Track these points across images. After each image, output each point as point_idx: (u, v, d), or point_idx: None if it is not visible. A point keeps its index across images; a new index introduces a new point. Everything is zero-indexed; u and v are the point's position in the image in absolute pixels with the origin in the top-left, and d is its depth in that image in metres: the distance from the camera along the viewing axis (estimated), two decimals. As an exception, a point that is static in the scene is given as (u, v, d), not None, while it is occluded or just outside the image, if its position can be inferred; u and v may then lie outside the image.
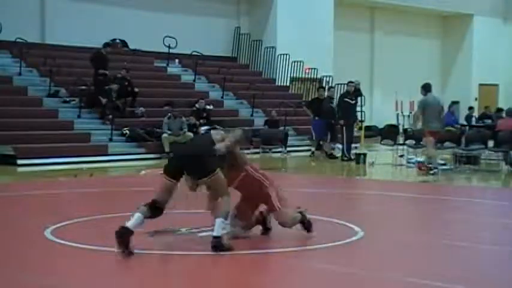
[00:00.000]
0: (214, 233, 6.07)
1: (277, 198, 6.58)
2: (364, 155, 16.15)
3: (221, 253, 6.02)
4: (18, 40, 18.55)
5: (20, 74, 18.12)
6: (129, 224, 6.01)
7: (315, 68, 23.95)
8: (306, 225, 6.86)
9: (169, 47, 21.15)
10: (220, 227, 6.07)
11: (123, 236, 5.92)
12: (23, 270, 5.54)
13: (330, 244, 6.62)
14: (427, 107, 13.76)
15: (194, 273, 5.65)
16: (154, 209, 6.16)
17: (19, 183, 12.84)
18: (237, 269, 5.79)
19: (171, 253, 6.20)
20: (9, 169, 14.44)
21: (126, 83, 18.13)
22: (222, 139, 6.35)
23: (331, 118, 17.63)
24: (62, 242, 6.48)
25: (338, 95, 19.63)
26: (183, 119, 17.77)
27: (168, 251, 6.22)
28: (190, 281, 5.46)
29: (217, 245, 6.02)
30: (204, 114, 18.58)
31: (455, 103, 17.14)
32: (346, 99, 17.12)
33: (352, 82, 17.95)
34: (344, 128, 16.72)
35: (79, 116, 17.29)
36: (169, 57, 21.64)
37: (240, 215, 6.65)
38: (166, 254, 6.18)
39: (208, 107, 19.16)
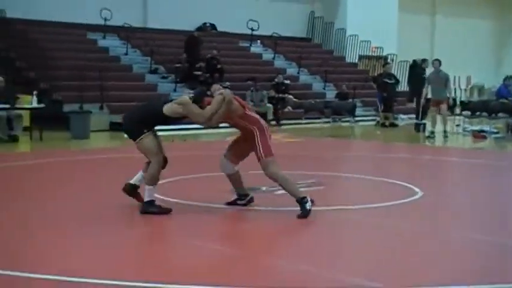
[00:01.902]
0: (144, 198, 5.82)
1: (266, 147, 5.76)
2: (424, 124, 15.77)
3: (287, 209, 6.01)
4: (125, 25, 18.93)
5: (126, 54, 18.51)
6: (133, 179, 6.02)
7: (380, 47, 23.53)
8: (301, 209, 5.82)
9: (252, 29, 21.15)
10: (147, 194, 5.78)
11: (130, 192, 5.99)
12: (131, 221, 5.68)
13: (392, 202, 6.52)
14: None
15: (264, 228, 5.66)
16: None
17: (126, 147, 13.18)
18: (309, 223, 5.77)
19: (256, 208, 6.23)
20: (119, 135, 14.82)
21: (215, 62, 18.29)
22: (180, 103, 5.81)
23: (384, 91, 17.25)
24: (162, 197, 6.62)
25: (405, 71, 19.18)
26: (264, 92, 17.80)
27: (252, 207, 6.25)
28: (260, 234, 5.47)
29: (141, 210, 5.80)
30: (282, 88, 18.55)
31: (510, 78, 16.52)
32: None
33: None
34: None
35: (175, 90, 17.53)
36: (252, 38, 21.64)
37: (233, 150, 6.10)
38: (251, 208, 6.20)
39: (285, 81, 19.10)
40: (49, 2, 18.33)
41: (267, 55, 21.68)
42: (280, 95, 18.23)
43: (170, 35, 19.91)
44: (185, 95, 6.05)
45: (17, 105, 12.94)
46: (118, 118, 15.34)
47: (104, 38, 18.91)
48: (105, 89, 15.83)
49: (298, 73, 21.20)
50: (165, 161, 6.09)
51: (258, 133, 5.76)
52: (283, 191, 6.94)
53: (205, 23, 21.29)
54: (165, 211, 5.81)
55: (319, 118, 18.70)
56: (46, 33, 17.89)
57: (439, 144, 13.66)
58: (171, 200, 6.45)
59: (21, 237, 5.06)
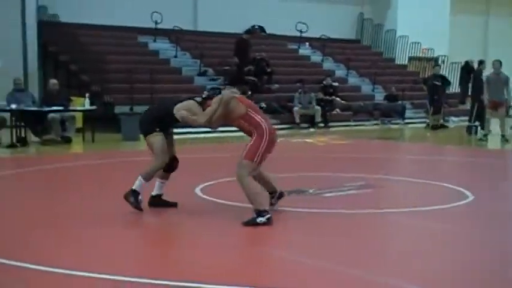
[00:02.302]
0: (133, 186, 5.90)
1: (251, 153, 5.54)
2: (476, 126, 15.44)
3: (335, 211, 5.98)
4: (175, 28, 19.18)
5: (176, 56, 18.74)
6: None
7: (431, 48, 23.18)
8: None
9: (301, 31, 21.12)
10: (137, 183, 5.87)
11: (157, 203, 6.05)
12: (173, 223, 5.75)
13: (443, 206, 6.41)
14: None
15: (312, 228, 5.65)
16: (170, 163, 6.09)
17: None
18: (357, 225, 5.73)
19: (302, 210, 6.22)
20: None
21: (264, 64, 18.36)
22: (188, 109, 5.93)
23: (434, 93, 16.97)
24: (209, 198, 6.68)
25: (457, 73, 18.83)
26: (312, 94, 17.75)
27: (299, 209, 6.24)
28: (311, 235, 5.46)
29: (124, 195, 5.90)
30: (331, 90, 18.46)
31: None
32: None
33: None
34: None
35: (223, 92, 17.63)
36: (300, 40, 21.61)
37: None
38: (298, 210, 6.20)
39: (334, 84, 19.00)
40: (101, 6, 18.71)
41: (316, 57, 21.62)
42: (328, 97, 18.15)
43: (219, 38, 20.06)
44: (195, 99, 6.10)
45: (70, 107, 13.25)
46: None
47: (155, 41, 19.20)
48: (155, 91, 16.04)
49: (346, 75, 21.05)
50: (175, 163, 6.17)
51: (254, 137, 5.59)
52: (332, 193, 6.95)
53: (254, 26, 21.36)
54: (139, 208, 5.87)
55: (368, 120, 18.55)
56: (98, 37, 18.27)
57: (493, 147, 13.35)
58: (219, 201, 6.50)
59: (74, 234, 5.19)
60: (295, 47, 21.70)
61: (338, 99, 18.46)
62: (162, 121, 6.00)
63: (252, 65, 18.13)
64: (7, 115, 12.43)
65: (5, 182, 8.27)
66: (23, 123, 12.33)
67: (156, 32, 19.10)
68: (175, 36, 19.02)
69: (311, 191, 7.08)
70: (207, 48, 18.69)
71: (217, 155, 11.33)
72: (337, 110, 18.33)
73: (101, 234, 5.19)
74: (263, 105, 17.35)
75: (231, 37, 18.99)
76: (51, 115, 12.52)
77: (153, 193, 6.17)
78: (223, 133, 14.77)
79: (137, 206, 5.89)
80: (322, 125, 17.34)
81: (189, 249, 4.85)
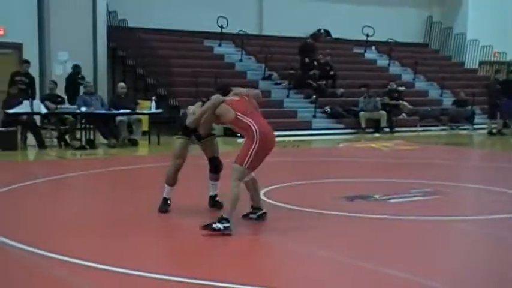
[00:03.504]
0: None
1: (242, 156, 5.43)
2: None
3: (401, 218, 5.90)
4: (240, 32, 19.37)
5: (241, 60, 18.90)
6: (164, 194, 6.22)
7: (503, 52, 22.52)
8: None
9: (367, 35, 20.92)
10: (164, 191, 6.18)
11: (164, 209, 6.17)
12: (245, 226, 5.81)
13: (510, 215, 6.24)
14: None
15: (380, 236, 5.60)
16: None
17: (237, 151, 13.44)
18: (424, 233, 5.65)
19: (366, 216, 6.18)
20: (230, 140, 15.19)
21: (328, 68, 18.30)
22: (192, 112, 6.04)
23: (497, 99, 16.63)
24: (275, 202, 6.72)
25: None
26: (377, 98, 17.58)
27: (363, 214, 6.21)
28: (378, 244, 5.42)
29: (159, 208, 6.15)
30: (396, 95, 18.23)
31: None
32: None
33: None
34: None
35: (288, 96, 17.70)
36: (366, 44, 21.42)
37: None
38: (362, 216, 6.16)
39: (400, 88, 18.74)
40: (168, 11, 19.10)
41: (382, 61, 21.37)
42: (394, 102, 17.93)
43: (284, 42, 20.11)
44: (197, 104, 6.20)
45: (137, 111, 13.58)
46: (232, 124, 15.71)
47: (220, 45, 19.44)
48: (220, 95, 16.22)
49: (413, 79, 20.72)
50: (216, 163, 6.33)
51: (246, 139, 5.50)
52: (397, 200, 6.88)
53: (319, 30, 21.34)
54: (163, 211, 6.11)
55: (435, 125, 18.20)
56: (164, 41, 18.66)
57: None
58: (283, 205, 6.53)
59: (137, 233, 5.34)
60: (361, 51, 21.52)
61: (405, 103, 18.20)
62: (182, 128, 6.22)
63: (316, 69, 18.10)
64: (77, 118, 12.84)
65: (73, 183, 8.57)
66: (92, 126, 12.72)
67: (221, 37, 19.34)
68: (241, 40, 19.20)
69: (377, 196, 7.03)
70: (272, 52, 18.78)
71: (280, 159, 11.37)
72: (404, 114, 18.07)
73: (163, 238, 5.31)
74: (327, 109, 17.31)
75: (296, 41, 19.02)
76: (118, 118, 12.87)
77: (210, 194, 6.36)
78: (286, 137, 14.83)
79: (163, 210, 6.13)
80: (387, 130, 17.14)
81: (267, 259, 4.87)
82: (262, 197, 6.98)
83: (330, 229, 5.70)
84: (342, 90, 18.39)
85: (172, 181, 6.17)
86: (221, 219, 5.26)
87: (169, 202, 6.17)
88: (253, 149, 5.39)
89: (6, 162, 10.65)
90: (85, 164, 10.83)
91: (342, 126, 17.12)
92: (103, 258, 4.52)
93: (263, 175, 8.76)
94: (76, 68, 15.42)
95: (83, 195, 7.70)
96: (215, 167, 6.31)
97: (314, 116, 17.02)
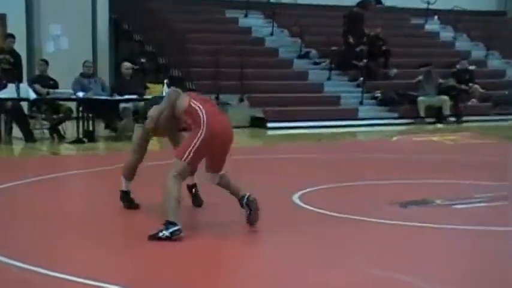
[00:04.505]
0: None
1: (182, 149, 5.59)
2: None
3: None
4: (271, 0, 19.35)
5: (271, 34, 18.90)
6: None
7: None
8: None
9: (428, 2, 20.79)
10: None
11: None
12: (272, 232, 5.84)
13: None
14: None
15: (443, 247, 5.57)
16: None
17: (268, 147, 13.49)
18: (493, 248, 5.61)
19: (424, 225, 6.16)
20: (259, 131, 15.25)
21: (380, 43, 18.19)
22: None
23: None
24: (311, 208, 6.73)
25: None
26: (441, 81, 17.44)
27: (421, 223, 6.18)
28: (440, 255, 5.39)
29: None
30: (467, 76, 18.06)
31: None
32: None
33: None
34: None
35: (329, 78, 17.67)
36: (427, 13, 21.26)
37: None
38: (419, 226, 6.14)
39: (470, 67, 18.57)
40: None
41: (446, 34, 21.23)
42: (463, 86, 17.76)
43: (325, 12, 20.05)
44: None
45: (146, 96, 13.65)
46: (260, 112, 15.77)
47: (246, 16, 19.46)
48: (246, 78, 16.29)
49: (486, 57, 20.54)
50: None
51: (192, 129, 5.57)
52: (462, 205, 6.83)
53: (368, -4, 21.24)
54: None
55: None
56: (179, 12, 18.74)
57: None
58: (321, 211, 6.54)
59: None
60: (420, 21, 21.38)
61: (476, 86, 18.02)
62: None
63: (364, 45, 18.02)
64: (73, 105, 12.98)
65: (68, 185, 8.66)
66: (90, 115, 12.84)
67: (248, 5, 19.33)
68: (271, 10, 19.17)
69: (438, 201, 7.01)
70: (310, 24, 18.73)
71: (318, 155, 11.35)
72: (474, 100, 17.90)
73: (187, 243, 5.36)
74: (378, 94, 17.24)
75: (340, 10, 18.94)
76: (123, 105, 12.96)
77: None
78: (325, 129, 14.79)
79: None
80: (452, 119, 17.00)
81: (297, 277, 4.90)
82: (296, 200, 7.01)
83: (379, 242, 5.67)
84: (395, 70, 18.30)
85: (130, 175, 6.60)
86: (167, 225, 5.36)
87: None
88: (197, 141, 5.48)
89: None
90: (83, 160, 10.94)
91: (395, 115, 17.03)
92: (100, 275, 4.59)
93: (297, 175, 8.83)
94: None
95: (79, 200, 7.79)
96: None
97: (361, 103, 16.97)
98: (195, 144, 5.47)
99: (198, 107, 5.61)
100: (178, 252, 5.22)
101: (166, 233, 5.33)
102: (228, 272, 4.96)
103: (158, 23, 17.98)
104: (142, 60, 13.77)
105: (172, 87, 6.28)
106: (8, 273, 4.72)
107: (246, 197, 5.78)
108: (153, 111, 5.98)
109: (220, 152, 5.70)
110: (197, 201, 6.71)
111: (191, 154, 5.47)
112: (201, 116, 5.53)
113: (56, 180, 8.60)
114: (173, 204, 5.42)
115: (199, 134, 5.48)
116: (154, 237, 5.34)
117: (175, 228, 5.34)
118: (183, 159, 5.50)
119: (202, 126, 5.49)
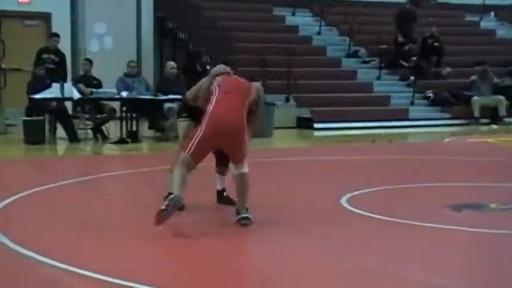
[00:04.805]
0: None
1: (189, 141, 5.97)
2: None
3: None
4: (319, -3, 19.31)
5: (319, 33, 18.85)
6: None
7: None
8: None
9: (484, -3, 20.55)
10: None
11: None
12: (314, 235, 5.79)
13: None
14: None
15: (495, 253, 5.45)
16: None
17: (316, 148, 13.43)
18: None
19: (478, 230, 6.04)
20: (306, 132, 15.19)
21: (433, 41, 18.01)
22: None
23: None
24: (358, 211, 6.65)
25: None
26: (496, 80, 17.21)
27: (473, 228, 6.07)
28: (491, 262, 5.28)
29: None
30: (525, 75, 17.81)
31: None
32: None
33: None
34: None
35: (378, 78, 17.54)
36: (483, 9, 20.97)
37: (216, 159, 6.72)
38: (471, 231, 6.03)
39: (528, 66, 18.29)
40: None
41: (503, 32, 20.91)
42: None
43: (375, 9, 19.94)
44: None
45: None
46: (307, 113, 15.72)
47: (293, 14, 19.43)
48: (293, 77, 16.25)
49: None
50: (223, 156, 6.51)
51: (200, 124, 5.97)
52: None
53: (421, -8, 21.07)
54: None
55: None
56: (225, 10, 18.78)
57: None
58: (371, 215, 6.46)
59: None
60: (475, 18, 21.12)
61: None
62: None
63: (415, 43, 17.86)
64: (117, 104, 13.08)
65: (111, 185, 8.73)
66: (134, 115, 12.92)
67: (295, 3, 19.30)
68: (319, 7, 19.12)
69: (493, 205, 6.90)
70: (359, 22, 18.62)
71: (369, 157, 11.27)
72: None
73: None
74: (430, 94, 17.06)
75: (390, 7, 18.82)
76: (167, 105, 13.03)
77: (217, 188, 6.83)
78: (376, 129, 14.69)
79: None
80: (509, 120, 16.75)
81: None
82: (344, 204, 6.94)
83: (431, 247, 5.58)
84: (449, 69, 18.11)
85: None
86: (168, 196, 5.78)
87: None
88: (197, 136, 5.89)
89: (31, 159, 10.97)
90: (126, 161, 11.02)
91: (448, 115, 16.85)
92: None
93: (346, 177, 8.75)
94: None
95: (122, 201, 7.83)
96: (221, 157, 6.48)
97: (412, 103, 16.84)
98: (196, 138, 5.88)
99: (214, 98, 6.04)
100: (216, 254, 5.20)
101: (166, 202, 5.65)
102: (276, 275, 4.93)
103: (204, 21, 18.04)
104: (199, 69, 13.97)
105: (222, 64, 6.60)
106: (51, 273, 4.75)
107: (242, 217, 6.01)
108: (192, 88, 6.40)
109: (229, 145, 6.01)
110: (229, 201, 6.67)
111: (193, 147, 5.87)
112: (209, 110, 5.97)
113: (99, 181, 8.68)
114: (176, 180, 5.81)
115: (200, 131, 5.90)
116: (161, 212, 5.58)
117: (172, 196, 5.66)
118: (186, 150, 5.92)
119: (206, 120, 5.91)
